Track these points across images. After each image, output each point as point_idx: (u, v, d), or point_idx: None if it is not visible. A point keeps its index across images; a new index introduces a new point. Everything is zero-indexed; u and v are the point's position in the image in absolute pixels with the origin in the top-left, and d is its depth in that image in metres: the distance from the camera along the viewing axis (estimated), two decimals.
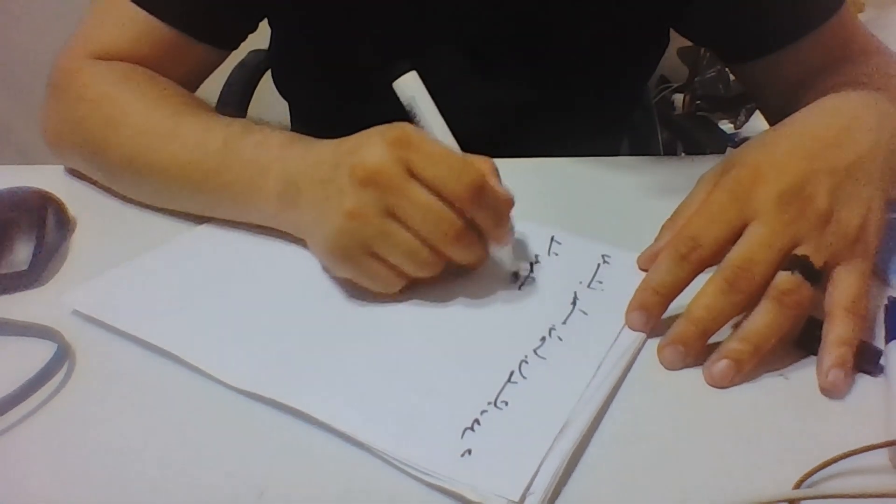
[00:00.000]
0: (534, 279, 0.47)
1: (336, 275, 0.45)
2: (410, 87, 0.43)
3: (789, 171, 0.42)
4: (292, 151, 0.47)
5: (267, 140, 0.49)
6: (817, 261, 0.40)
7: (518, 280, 0.46)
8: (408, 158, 0.40)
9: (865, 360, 0.40)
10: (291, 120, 0.86)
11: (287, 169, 0.46)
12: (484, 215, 0.42)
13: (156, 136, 0.52)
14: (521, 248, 0.49)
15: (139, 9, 0.58)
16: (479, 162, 0.44)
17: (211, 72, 0.67)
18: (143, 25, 0.59)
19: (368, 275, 0.43)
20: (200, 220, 0.53)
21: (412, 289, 0.45)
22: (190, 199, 0.52)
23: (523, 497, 0.32)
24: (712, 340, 0.41)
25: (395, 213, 0.41)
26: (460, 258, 0.43)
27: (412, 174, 0.40)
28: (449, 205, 0.41)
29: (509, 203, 0.44)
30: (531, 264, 0.48)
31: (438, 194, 0.40)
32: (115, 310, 0.43)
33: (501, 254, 0.45)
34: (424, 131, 0.42)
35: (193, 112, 0.54)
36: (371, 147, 0.41)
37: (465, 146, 0.60)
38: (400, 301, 0.45)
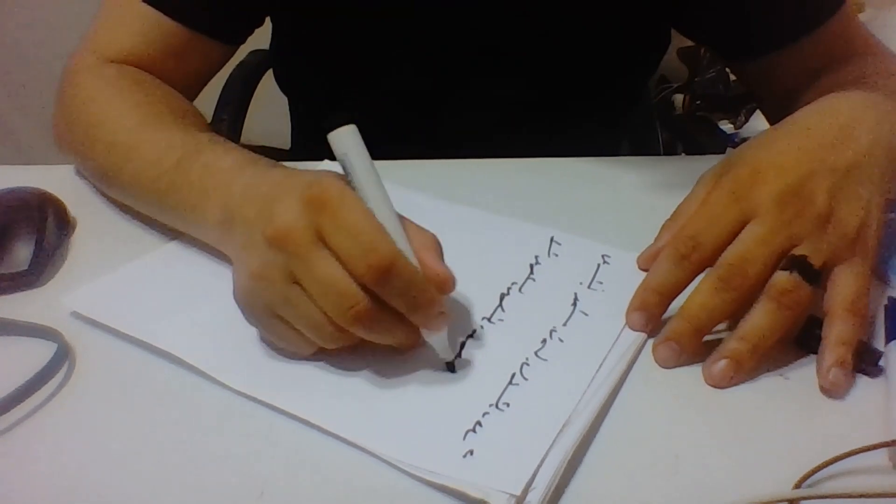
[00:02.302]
0: (534, 279, 0.47)
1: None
2: (344, 142, 0.37)
3: (789, 170, 0.42)
4: (238, 179, 0.43)
5: (217, 162, 0.46)
6: (816, 261, 0.40)
7: (455, 372, 0.40)
8: (320, 223, 0.36)
9: (865, 362, 0.40)
10: (291, 116, 0.86)
11: (227, 198, 0.43)
12: (395, 298, 0.36)
13: (122, 149, 0.52)
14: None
15: (147, 6, 0.58)
16: (420, 236, 0.39)
17: (218, 69, 0.67)
18: (150, 23, 0.59)
19: (275, 336, 0.40)
20: None
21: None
22: (152, 215, 0.52)
23: (525, 491, 0.32)
24: (710, 339, 0.41)
25: (298, 281, 0.37)
26: (372, 339, 0.38)
27: (322, 240, 0.36)
28: (358, 280, 0.36)
29: (442, 285, 0.38)
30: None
31: (346, 268, 0.36)
32: (114, 312, 0.43)
33: (432, 340, 0.39)
34: (353, 191, 0.37)
35: (159, 124, 0.52)
36: (286, 204, 0.37)
37: (466, 145, 0.60)
38: None
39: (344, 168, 0.38)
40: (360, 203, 0.37)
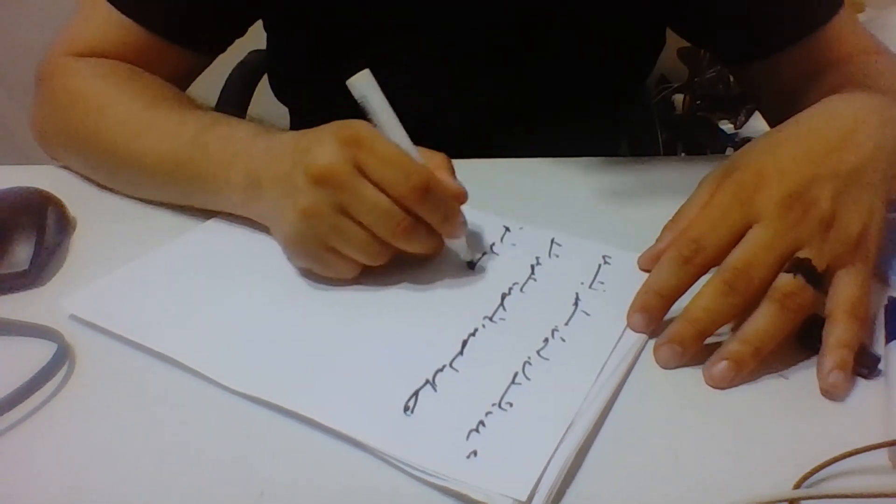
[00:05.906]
0: (535, 280, 0.47)
1: (294, 265, 0.47)
2: (362, 85, 0.44)
3: (793, 174, 0.42)
4: (256, 145, 0.48)
5: (233, 133, 0.50)
6: (820, 264, 0.40)
7: (474, 269, 0.48)
8: (358, 158, 0.42)
9: (864, 366, 0.40)
10: (291, 123, 0.85)
11: (249, 163, 0.48)
12: (431, 213, 0.44)
13: (134, 126, 0.53)
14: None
15: (119, 13, 0.58)
16: (434, 158, 0.45)
17: (197, 74, 0.66)
18: (123, 29, 0.59)
19: (324, 265, 0.45)
20: (199, 220, 0.53)
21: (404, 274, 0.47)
22: (165, 189, 0.54)
23: (531, 497, 0.32)
24: (710, 341, 0.41)
25: (346, 210, 0.42)
26: (412, 249, 0.45)
27: (362, 173, 0.42)
28: (397, 202, 0.42)
29: (459, 197, 0.45)
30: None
31: (386, 193, 0.42)
32: (113, 314, 0.43)
33: (455, 245, 0.47)
34: (376, 129, 0.44)
35: (170, 104, 0.55)
36: (324, 146, 0.43)
37: (465, 145, 0.60)
38: (403, 304, 0.45)
39: (364, 108, 0.44)
40: (384, 138, 0.43)
